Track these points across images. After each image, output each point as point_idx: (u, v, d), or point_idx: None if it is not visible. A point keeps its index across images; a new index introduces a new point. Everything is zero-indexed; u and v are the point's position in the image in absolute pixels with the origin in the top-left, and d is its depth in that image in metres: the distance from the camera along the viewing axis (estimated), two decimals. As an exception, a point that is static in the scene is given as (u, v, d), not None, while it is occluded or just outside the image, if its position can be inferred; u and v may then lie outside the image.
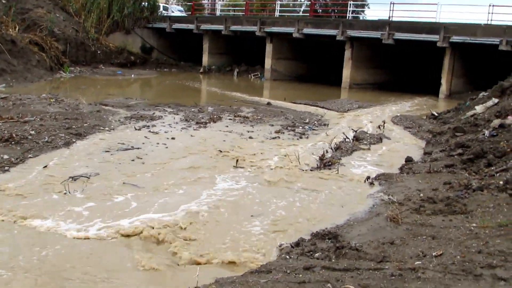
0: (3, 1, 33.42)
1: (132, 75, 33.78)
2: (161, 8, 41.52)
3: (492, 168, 9.82)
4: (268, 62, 35.14)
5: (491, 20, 27.12)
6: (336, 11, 46.81)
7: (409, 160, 11.75)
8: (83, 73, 32.67)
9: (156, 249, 6.75)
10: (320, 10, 47.38)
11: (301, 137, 14.99)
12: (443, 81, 27.59)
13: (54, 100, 18.79)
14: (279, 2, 40.80)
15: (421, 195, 8.43)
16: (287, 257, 6.05)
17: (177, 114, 17.84)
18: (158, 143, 13.03)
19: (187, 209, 8.17)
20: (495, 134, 12.24)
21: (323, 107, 22.21)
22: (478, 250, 5.39)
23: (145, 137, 13.68)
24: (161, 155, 11.86)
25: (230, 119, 17.43)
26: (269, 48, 34.89)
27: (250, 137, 14.37)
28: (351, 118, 19.73)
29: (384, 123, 17.24)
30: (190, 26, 38.30)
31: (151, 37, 40.47)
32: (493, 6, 27.38)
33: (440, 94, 27.74)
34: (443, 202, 7.78)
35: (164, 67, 39.43)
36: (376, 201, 8.53)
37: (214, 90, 29.26)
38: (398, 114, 20.78)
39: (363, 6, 49.63)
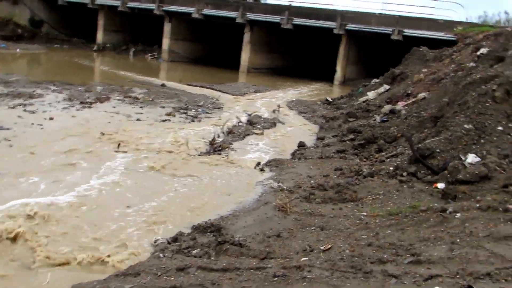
0: None
1: (18, 50, 31.06)
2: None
3: (383, 153, 9.72)
4: (165, 43, 33.75)
5: (385, 10, 27.88)
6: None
7: (301, 145, 11.45)
8: (-41, 44, 29.76)
9: (8, 247, 5.72)
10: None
11: (193, 120, 14.26)
12: (338, 67, 28.00)
13: None
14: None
15: (312, 182, 8.07)
16: (161, 255, 5.32)
17: (61, 93, 16.36)
18: (32, 124, 11.69)
19: (53, 199, 7.16)
20: (385, 119, 12.28)
21: (219, 90, 21.60)
22: (368, 243, 5.01)
23: (19, 116, 12.26)
24: (34, 137, 10.58)
25: (119, 99, 16.27)
26: (167, 28, 33.52)
27: (138, 120, 13.40)
28: (247, 102, 19.28)
29: (279, 107, 16.95)
30: (85, 0, 35.86)
31: (41, 9, 37.22)
32: (387, -4, 28.16)
33: (335, 80, 28.14)
34: (334, 189, 7.45)
35: (55, 42, 36.61)
36: (266, 189, 8.02)
37: (107, 69, 27.71)
38: (294, 99, 20.68)
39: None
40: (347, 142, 11.39)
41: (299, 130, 14.18)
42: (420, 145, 8.06)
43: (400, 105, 13.03)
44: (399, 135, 9.91)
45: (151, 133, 11.95)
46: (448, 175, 7.30)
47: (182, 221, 6.66)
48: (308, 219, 6.18)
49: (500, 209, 5.28)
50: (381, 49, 28.92)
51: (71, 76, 21.13)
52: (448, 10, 44.34)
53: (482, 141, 7.88)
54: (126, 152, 9.98)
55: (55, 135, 10.85)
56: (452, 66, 14.62)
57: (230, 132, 12.52)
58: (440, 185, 7.12)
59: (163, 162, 9.39)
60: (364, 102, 15.98)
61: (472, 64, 12.63)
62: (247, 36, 30.81)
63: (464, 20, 25.45)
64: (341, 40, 27.60)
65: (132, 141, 10.81)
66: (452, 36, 22.41)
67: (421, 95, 12.86)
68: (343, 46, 27.64)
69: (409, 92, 13.96)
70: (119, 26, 37.03)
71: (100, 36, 36.45)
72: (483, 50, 13.08)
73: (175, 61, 33.57)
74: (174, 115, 14.55)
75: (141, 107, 15.24)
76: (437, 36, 23.42)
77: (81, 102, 14.87)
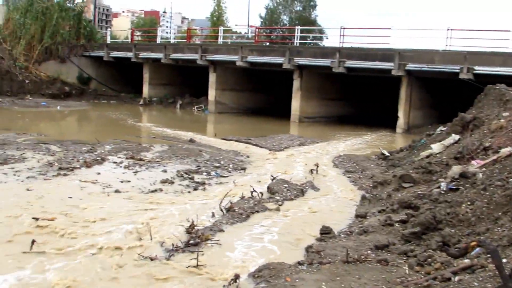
0: None
1: (58, 107, 29.77)
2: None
3: (450, 251, 5.81)
4: (211, 94, 31.30)
5: (450, 45, 23.76)
6: (287, 38, 43.13)
7: (325, 232, 7.57)
8: (2, 104, 28.88)
9: None
10: (272, 36, 43.50)
11: (196, 189, 10.84)
12: (400, 113, 24.02)
13: None
14: (222, 28, 37.07)
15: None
16: None
17: (53, 155, 13.62)
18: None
19: None
20: (454, 187, 8.33)
21: (255, 145, 18.39)
22: None
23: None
24: None
25: (116, 162, 13.21)
26: (212, 78, 31.17)
27: (117, 191, 10.08)
28: (283, 158, 15.79)
29: (318, 166, 13.25)
30: (129, 54, 34.52)
31: (89, 66, 36.75)
32: (451, 30, 24.02)
33: (397, 128, 24.12)
34: None
35: (102, 98, 35.60)
36: None
37: (142, 124, 25.80)
38: (343, 154, 16.94)
39: (320, 32, 46.20)
40: (396, 226, 7.51)
41: (335, 201, 10.37)
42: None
43: (475, 165, 9.03)
44: (473, 244, 5.73)
45: (117, 213, 8.49)
46: None
47: None
48: None
49: None
50: (451, 90, 24.82)
51: (93, 134, 18.70)
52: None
53: None
54: (44, 252, 6.56)
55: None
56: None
57: (230, 208, 8.92)
58: None
59: (81, 275, 5.80)
60: (426, 157, 12.02)
61: None
62: (296, 83, 27.74)
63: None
64: (402, 81, 23.78)
65: (73, 230, 7.38)
66: (536, 72, 18.22)
67: (505, 150, 8.85)
68: (404, 89, 23.77)
69: (487, 145, 9.94)
70: (165, 79, 35.53)
71: (146, 90, 35.01)
72: None
73: (223, 112, 31.04)
74: (172, 182, 11.19)
75: (134, 172, 12.04)
76: (517, 72, 19.23)
77: (60, 168, 11.88)
